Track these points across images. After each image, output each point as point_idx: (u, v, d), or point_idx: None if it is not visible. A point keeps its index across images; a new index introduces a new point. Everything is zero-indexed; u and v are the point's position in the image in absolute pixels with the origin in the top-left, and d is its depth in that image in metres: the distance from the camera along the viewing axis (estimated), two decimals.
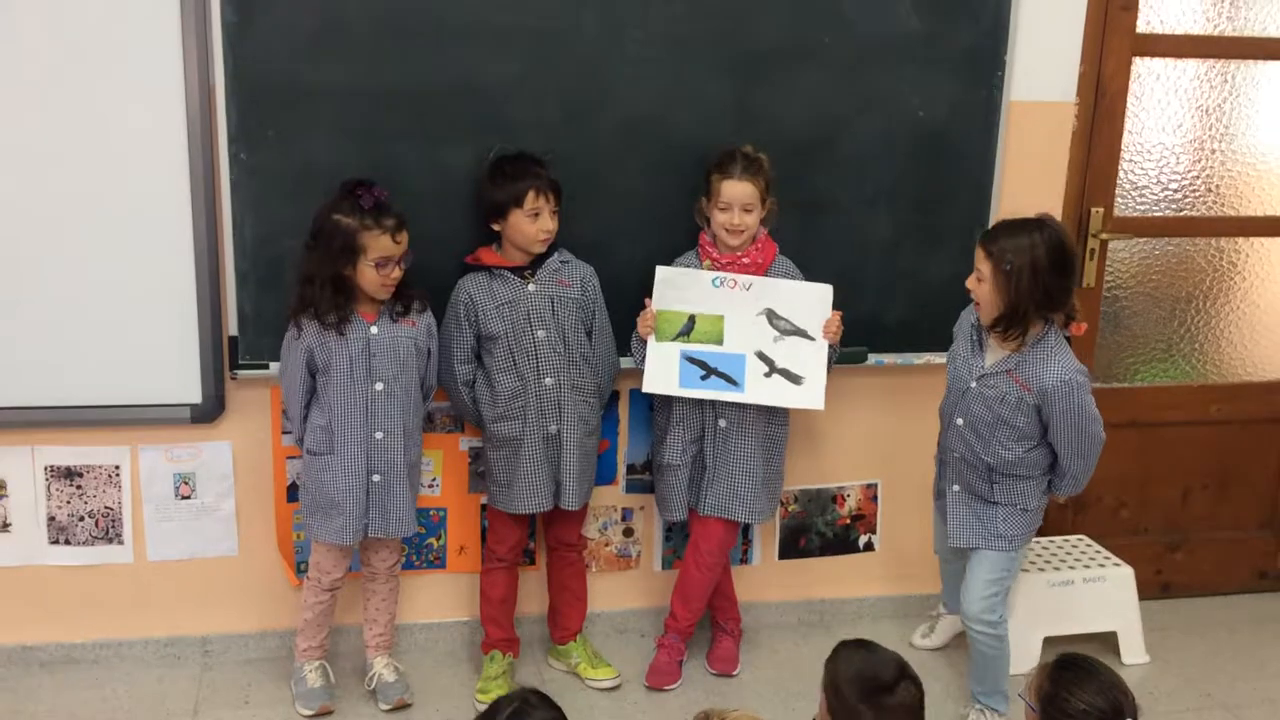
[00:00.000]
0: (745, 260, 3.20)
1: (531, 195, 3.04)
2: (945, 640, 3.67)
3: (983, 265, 2.92)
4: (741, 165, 3.13)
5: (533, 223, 3.06)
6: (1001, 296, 2.89)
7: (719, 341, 3.19)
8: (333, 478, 3.05)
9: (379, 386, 3.03)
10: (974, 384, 3.05)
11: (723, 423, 3.28)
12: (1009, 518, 3.11)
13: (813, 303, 3.20)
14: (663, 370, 3.19)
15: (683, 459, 3.32)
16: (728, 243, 3.19)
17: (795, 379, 3.21)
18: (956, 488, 3.18)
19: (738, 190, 3.13)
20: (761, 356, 3.21)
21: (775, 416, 3.33)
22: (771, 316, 3.20)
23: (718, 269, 3.20)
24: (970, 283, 2.98)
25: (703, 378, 3.20)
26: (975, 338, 3.08)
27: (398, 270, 2.98)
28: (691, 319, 3.19)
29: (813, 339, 3.21)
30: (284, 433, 3.30)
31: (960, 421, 3.10)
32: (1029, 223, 2.91)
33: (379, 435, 3.05)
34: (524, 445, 3.17)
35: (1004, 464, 3.05)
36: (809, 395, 3.22)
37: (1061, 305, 2.94)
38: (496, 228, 3.11)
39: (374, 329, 3.02)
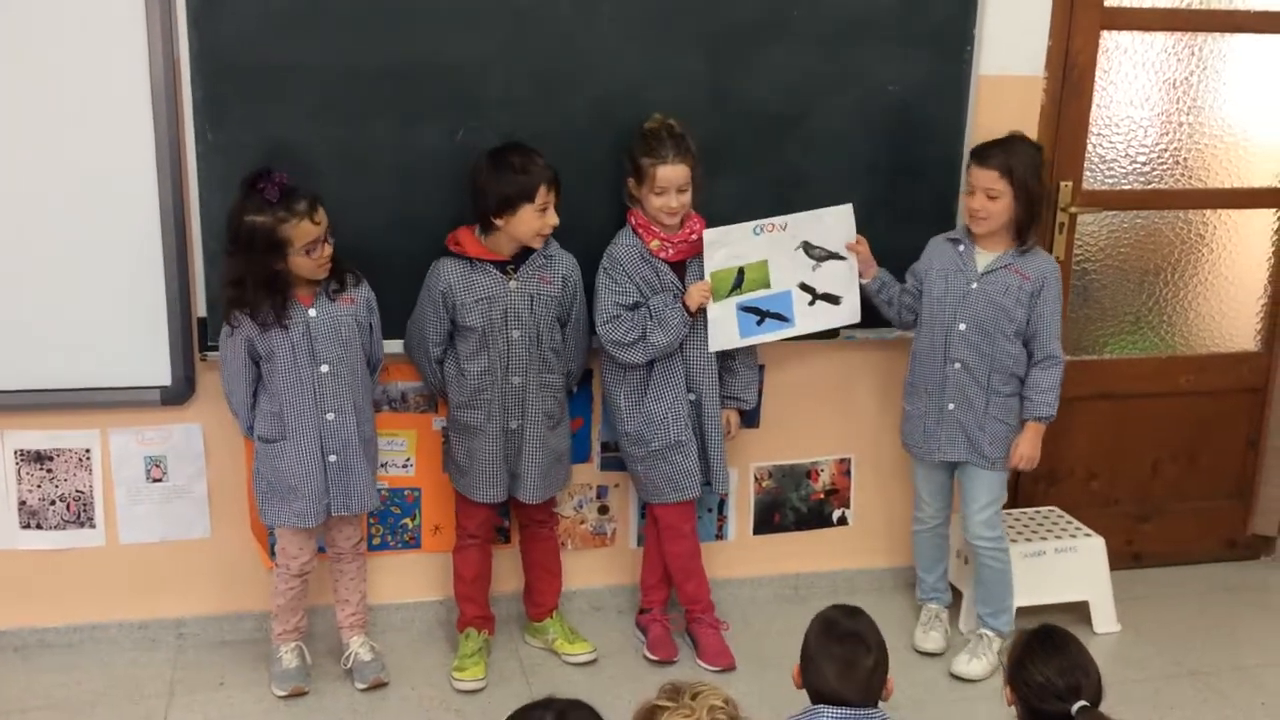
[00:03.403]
0: (694, 237, 3.19)
1: (543, 190, 3.00)
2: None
3: (997, 184, 3.17)
4: (672, 148, 3.08)
5: (540, 217, 3.03)
6: (1021, 206, 3.18)
7: (767, 285, 3.27)
8: (288, 463, 3.03)
9: (324, 369, 3.00)
10: (975, 285, 3.26)
11: (692, 396, 3.30)
12: (995, 439, 3.31)
13: (838, 224, 3.31)
14: (723, 328, 3.25)
15: (685, 434, 3.29)
16: (666, 223, 3.16)
17: (835, 300, 3.36)
18: (952, 406, 3.32)
19: (674, 174, 3.09)
20: (804, 287, 3.32)
21: (720, 388, 3.36)
22: (808, 247, 3.29)
23: (667, 247, 3.19)
24: (978, 202, 3.20)
25: (758, 323, 3.29)
26: (963, 250, 3.30)
27: (327, 248, 2.94)
28: (740, 272, 3.23)
29: (844, 258, 3.32)
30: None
31: (963, 326, 3.27)
32: (1013, 140, 3.23)
33: (330, 416, 3.03)
34: (483, 436, 3.17)
35: (1007, 358, 3.25)
36: (847, 313, 3.38)
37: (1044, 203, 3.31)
38: (499, 222, 3.05)
39: (312, 311, 2.98)
